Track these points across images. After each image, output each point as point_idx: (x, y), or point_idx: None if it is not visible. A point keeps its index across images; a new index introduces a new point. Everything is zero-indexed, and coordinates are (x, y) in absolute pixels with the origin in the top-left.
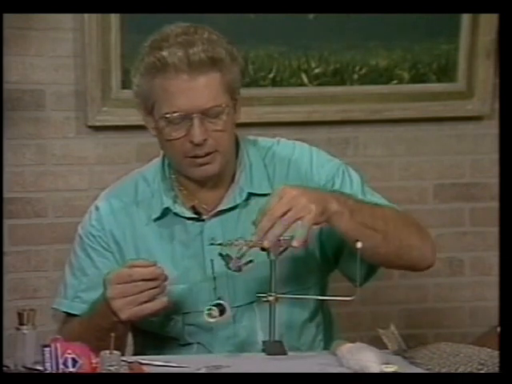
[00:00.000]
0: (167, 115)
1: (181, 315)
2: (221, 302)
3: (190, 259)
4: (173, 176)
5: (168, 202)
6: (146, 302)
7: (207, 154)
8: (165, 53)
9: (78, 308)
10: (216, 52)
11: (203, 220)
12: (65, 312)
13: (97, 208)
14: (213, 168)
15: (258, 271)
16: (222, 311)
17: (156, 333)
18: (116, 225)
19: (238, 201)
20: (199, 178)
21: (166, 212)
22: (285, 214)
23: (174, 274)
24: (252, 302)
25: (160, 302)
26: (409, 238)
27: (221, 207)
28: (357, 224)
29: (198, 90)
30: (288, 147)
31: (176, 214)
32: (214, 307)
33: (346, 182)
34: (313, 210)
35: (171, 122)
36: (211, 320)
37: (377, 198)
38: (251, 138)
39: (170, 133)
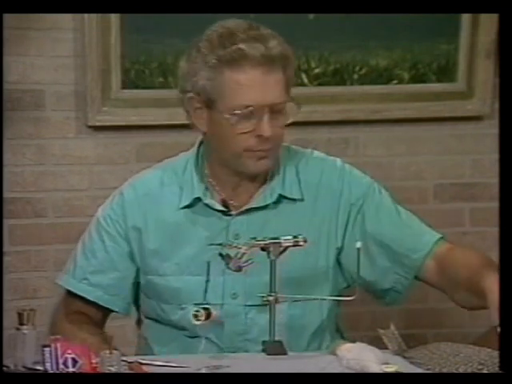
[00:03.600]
0: (238, 109)
1: (193, 305)
2: (207, 306)
3: (212, 252)
4: (206, 169)
5: (199, 193)
6: None
7: (269, 149)
8: (243, 46)
9: (84, 290)
10: (286, 48)
11: (231, 215)
12: (70, 291)
13: (121, 193)
14: (268, 163)
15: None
16: (208, 315)
17: (164, 321)
18: (139, 212)
19: (269, 201)
20: (255, 172)
21: (195, 202)
22: None
23: (194, 264)
24: (261, 297)
25: None
26: None
27: (250, 205)
28: None
29: (270, 85)
30: (321, 160)
31: (206, 205)
32: (200, 310)
33: (376, 201)
34: None
35: (241, 116)
36: (196, 322)
37: (410, 218)
38: (284, 144)
39: (237, 126)
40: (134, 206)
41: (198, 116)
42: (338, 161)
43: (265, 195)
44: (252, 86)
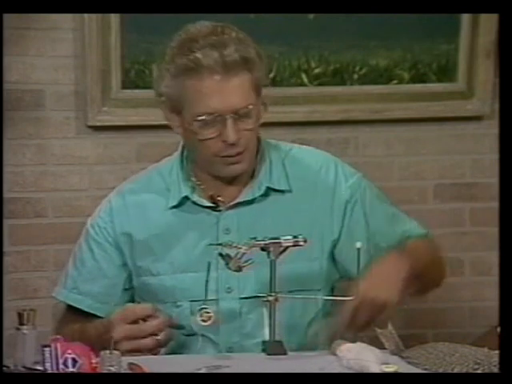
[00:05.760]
0: (200, 116)
1: (189, 303)
2: (208, 308)
3: (203, 248)
4: (190, 170)
5: (186, 191)
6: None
7: (238, 154)
8: (198, 54)
9: (73, 299)
10: (247, 52)
11: (220, 210)
12: (62, 301)
13: (109, 201)
14: (242, 167)
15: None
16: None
17: None
18: (128, 219)
19: (257, 194)
20: (228, 176)
21: (183, 201)
22: None
23: (187, 261)
24: (261, 296)
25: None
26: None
27: (239, 199)
28: None
29: (231, 91)
30: (309, 153)
31: (194, 203)
32: (208, 311)
33: (367, 196)
34: None
35: (204, 123)
36: (203, 324)
37: (399, 212)
38: (271, 140)
39: (202, 133)
40: (122, 212)
41: (171, 120)
42: (328, 155)
43: (253, 189)
44: (210, 93)
